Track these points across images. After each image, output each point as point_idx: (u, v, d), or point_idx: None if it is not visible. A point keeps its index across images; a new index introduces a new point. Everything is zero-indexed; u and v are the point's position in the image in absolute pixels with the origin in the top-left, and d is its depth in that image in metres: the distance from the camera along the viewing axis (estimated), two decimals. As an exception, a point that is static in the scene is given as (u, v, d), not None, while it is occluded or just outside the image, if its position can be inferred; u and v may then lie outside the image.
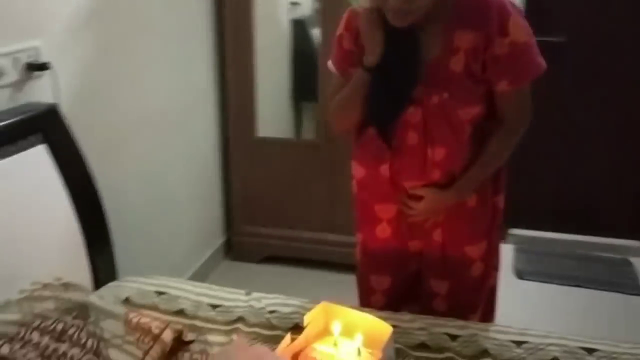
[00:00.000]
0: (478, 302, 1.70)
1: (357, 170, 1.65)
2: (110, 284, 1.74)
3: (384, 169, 1.56)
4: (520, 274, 2.93)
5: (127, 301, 1.63)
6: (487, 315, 1.75)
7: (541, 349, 1.45)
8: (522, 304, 2.59)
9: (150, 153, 2.42)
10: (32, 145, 1.58)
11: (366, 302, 1.75)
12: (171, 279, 1.79)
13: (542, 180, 3.25)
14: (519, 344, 1.48)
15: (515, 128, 1.54)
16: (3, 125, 1.54)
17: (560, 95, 3.01)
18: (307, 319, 1.44)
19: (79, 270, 1.65)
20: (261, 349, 1.34)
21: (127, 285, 1.73)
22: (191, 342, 1.49)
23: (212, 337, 1.52)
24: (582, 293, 2.74)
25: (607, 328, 2.26)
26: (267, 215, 3.06)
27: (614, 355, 1.43)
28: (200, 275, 2.81)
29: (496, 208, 1.65)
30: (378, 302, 1.72)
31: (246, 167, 3.00)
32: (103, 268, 1.78)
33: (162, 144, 2.51)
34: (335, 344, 1.39)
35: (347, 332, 1.42)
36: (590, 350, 1.45)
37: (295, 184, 2.97)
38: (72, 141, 1.70)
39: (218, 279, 2.84)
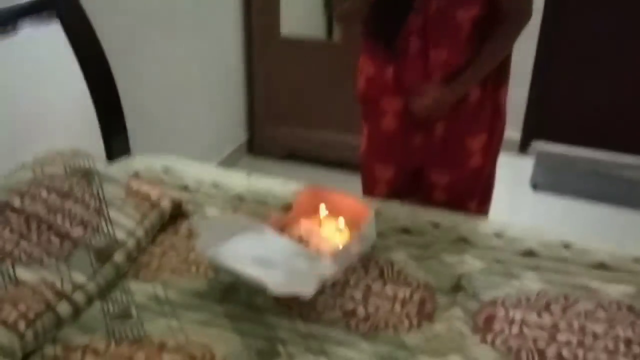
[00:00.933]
0: (476, 191, 1.76)
1: (366, 65, 1.69)
2: (121, 160, 1.86)
3: (389, 72, 1.63)
4: (537, 186, 2.95)
5: (135, 176, 1.75)
6: (483, 204, 1.81)
7: (518, 240, 1.52)
8: (536, 216, 2.64)
9: (171, 47, 2.46)
10: (47, 21, 1.66)
11: (369, 192, 1.83)
12: (180, 158, 1.90)
13: (571, 92, 3.18)
14: (499, 235, 1.54)
15: (516, 19, 1.54)
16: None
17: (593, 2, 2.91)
18: (296, 198, 1.53)
19: (93, 148, 1.76)
20: (247, 219, 1.45)
21: (137, 161, 1.84)
22: (189, 213, 1.60)
23: (210, 210, 1.63)
24: (600, 208, 2.75)
25: (620, 244, 2.29)
26: (290, 115, 3.11)
27: (589, 249, 1.48)
28: (223, 168, 2.92)
29: (498, 101, 1.67)
30: (381, 193, 1.79)
31: (270, 66, 3.04)
32: (117, 149, 1.89)
33: (183, 38, 2.55)
34: (320, 223, 1.48)
35: (333, 214, 1.51)
36: (567, 245, 1.50)
37: (319, 84, 2.99)
38: (87, 22, 1.77)
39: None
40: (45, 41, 1.68)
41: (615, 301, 1.32)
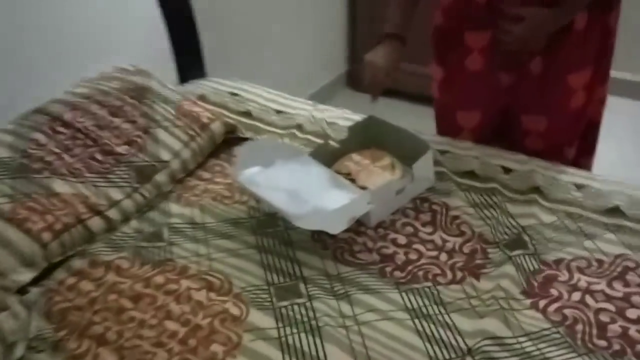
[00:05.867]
0: (575, 135, 1.52)
1: None
2: (190, 82, 1.83)
3: None
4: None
5: (200, 99, 1.71)
6: (585, 154, 1.57)
7: (603, 195, 1.30)
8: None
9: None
10: None
11: None
12: (249, 83, 1.83)
13: None
14: (580, 187, 1.33)
15: None
16: None
17: None
18: (350, 129, 1.41)
19: (165, 70, 1.73)
20: (292, 147, 1.36)
21: (205, 84, 1.80)
22: (246, 139, 1.54)
23: (267, 138, 1.56)
24: None
25: None
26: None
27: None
28: (315, 100, 2.80)
29: (607, 28, 1.41)
30: (463, 139, 1.61)
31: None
32: (191, 72, 1.85)
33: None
34: (372, 156, 1.36)
35: (389, 147, 1.38)
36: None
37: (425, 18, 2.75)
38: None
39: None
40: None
41: None
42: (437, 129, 1.67)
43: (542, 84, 1.44)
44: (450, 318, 1.04)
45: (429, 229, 1.25)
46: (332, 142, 1.46)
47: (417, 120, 1.63)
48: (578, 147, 1.54)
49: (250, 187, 1.22)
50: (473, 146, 1.49)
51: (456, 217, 1.27)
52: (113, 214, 1.24)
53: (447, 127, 1.63)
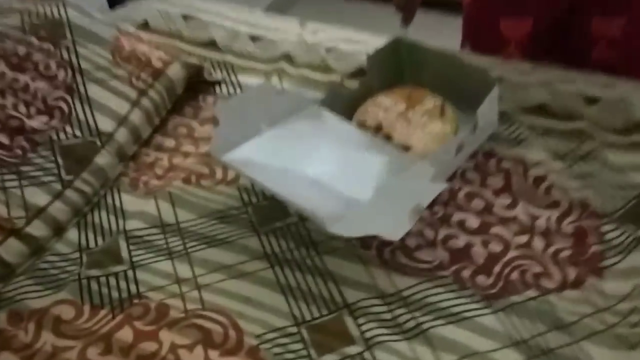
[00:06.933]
0: None
1: None
2: (128, 4, 1.33)
3: None
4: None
5: (144, 27, 1.23)
6: None
7: None
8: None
9: None
10: None
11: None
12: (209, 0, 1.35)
13: None
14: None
15: None
16: None
17: None
18: (371, 59, 0.98)
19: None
20: (296, 95, 0.92)
21: (149, 5, 1.31)
22: (216, 82, 1.10)
23: (245, 79, 1.12)
24: None
25: None
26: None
27: None
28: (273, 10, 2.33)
29: None
30: (511, 57, 1.20)
31: None
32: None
33: None
34: (408, 98, 0.95)
35: (428, 83, 0.97)
36: None
37: None
38: None
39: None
40: None
41: None
42: (467, 44, 1.25)
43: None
44: (584, 350, 0.68)
45: (505, 199, 0.86)
46: (346, 82, 1.04)
47: (434, 35, 1.20)
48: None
49: (245, 171, 0.80)
50: (531, 67, 1.09)
51: (541, 179, 0.89)
52: (36, 228, 0.81)
53: (484, 41, 1.21)
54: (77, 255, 0.82)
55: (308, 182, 0.78)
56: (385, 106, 0.94)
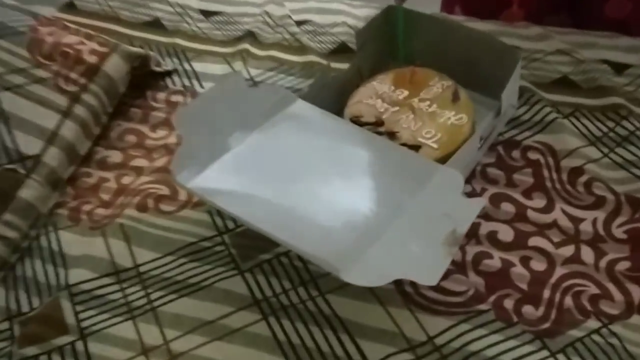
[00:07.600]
0: None
1: None
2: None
3: None
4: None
5: (69, 9, 1.01)
6: None
7: None
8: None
9: None
10: None
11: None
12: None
13: None
14: None
15: None
16: None
17: None
18: (361, 34, 0.80)
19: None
20: (276, 87, 0.73)
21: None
22: (167, 73, 0.90)
23: (203, 67, 0.91)
24: None
25: None
26: None
27: None
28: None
29: None
30: (511, 19, 1.03)
31: None
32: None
33: None
34: (410, 81, 0.77)
35: (433, 60, 0.79)
36: None
37: None
38: None
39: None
40: None
41: None
42: (457, 7, 1.08)
43: None
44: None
45: (540, 201, 0.71)
46: (332, 65, 0.85)
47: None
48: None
49: (217, 202, 0.61)
50: (543, 31, 0.92)
51: (577, 170, 0.74)
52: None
53: (483, 1, 1.04)
54: (6, 325, 0.62)
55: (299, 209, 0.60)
56: (382, 94, 0.76)
